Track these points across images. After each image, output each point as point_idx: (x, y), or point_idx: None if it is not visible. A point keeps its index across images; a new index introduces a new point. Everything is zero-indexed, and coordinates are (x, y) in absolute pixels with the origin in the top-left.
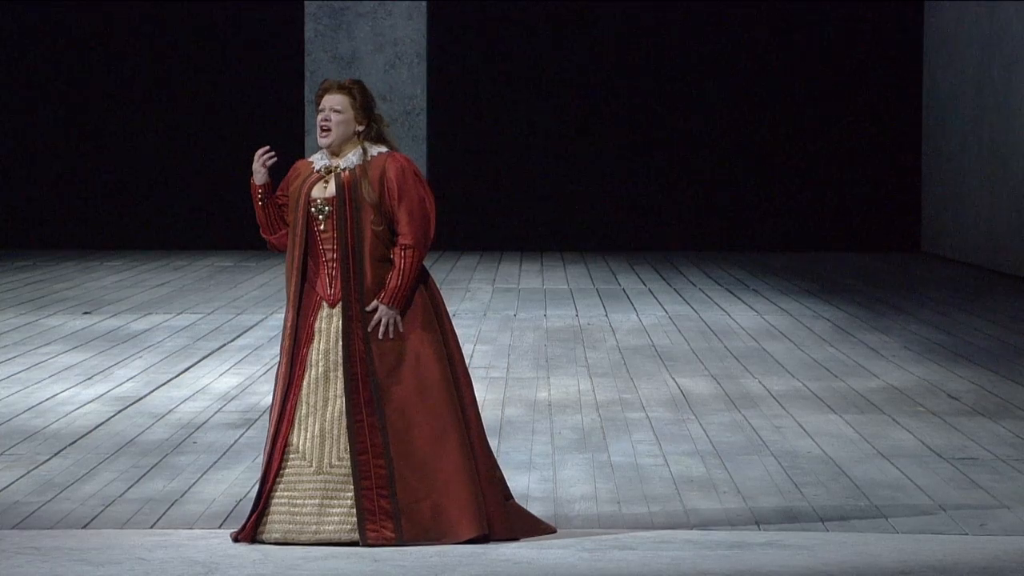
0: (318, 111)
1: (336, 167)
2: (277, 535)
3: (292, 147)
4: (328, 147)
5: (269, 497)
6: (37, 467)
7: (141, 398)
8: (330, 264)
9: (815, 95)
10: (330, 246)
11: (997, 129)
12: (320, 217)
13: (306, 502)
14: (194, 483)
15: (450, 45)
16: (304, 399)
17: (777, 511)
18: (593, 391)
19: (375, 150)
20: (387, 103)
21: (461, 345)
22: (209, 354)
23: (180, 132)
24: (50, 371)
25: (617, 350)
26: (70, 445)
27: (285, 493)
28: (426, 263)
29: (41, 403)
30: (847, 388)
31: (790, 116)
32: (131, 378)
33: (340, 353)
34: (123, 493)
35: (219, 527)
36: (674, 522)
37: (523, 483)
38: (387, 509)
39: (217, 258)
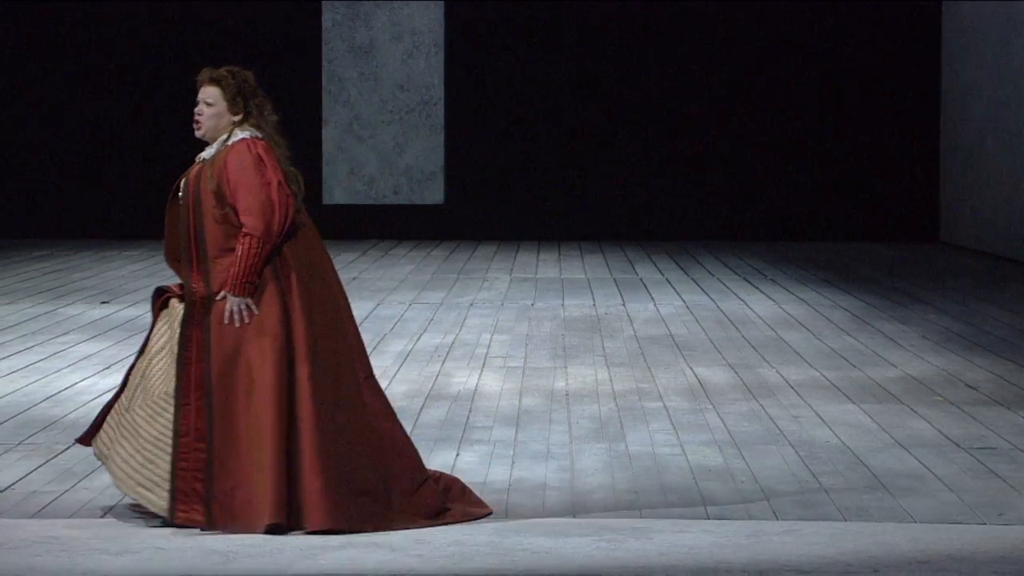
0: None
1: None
2: (96, 453)
3: (309, 136)
4: (203, 139)
5: (107, 415)
6: (55, 456)
7: None
8: (184, 253)
9: (834, 85)
10: (183, 235)
11: (1015, 119)
12: (181, 207)
13: (116, 432)
14: None
15: (468, 35)
16: (151, 341)
17: (795, 501)
18: (611, 380)
19: (237, 136)
20: (404, 93)
21: (364, 338)
22: None
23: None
24: (68, 360)
25: (635, 339)
26: None
27: (113, 416)
28: (446, 253)
29: (59, 392)
30: (865, 378)
31: (809, 106)
32: None
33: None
34: None
35: None
36: (691, 512)
37: (540, 473)
38: (200, 493)
39: None
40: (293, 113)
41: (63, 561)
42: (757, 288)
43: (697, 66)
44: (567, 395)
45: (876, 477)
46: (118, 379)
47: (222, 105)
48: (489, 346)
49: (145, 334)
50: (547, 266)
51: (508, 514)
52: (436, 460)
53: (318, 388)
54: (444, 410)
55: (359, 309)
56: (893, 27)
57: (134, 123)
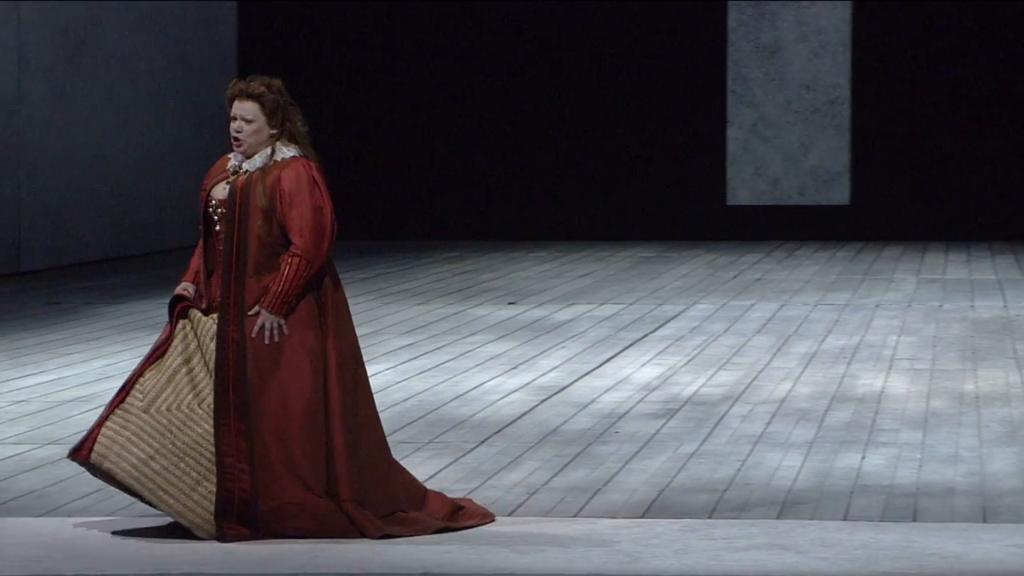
0: (231, 118)
1: (240, 168)
2: (95, 457)
3: (714, 136)
4: (244, 154)
5: (103, 423)
6: (464, 455)
7: (564, 387)
8: (221, 266)
9: None
10: (222, 248)
11: None
12: (215, 218)
13: (123, 431)
14: (616, 472)
15: (875, 34)
16: (173, 346)
17: None
18: (1023, 383)
19: (283, 153)
20: (810, 92)
21: (364, 357)
22: (631, 344)
23: (600, 122)
24: (476, 360)
25: None
26: (495, 434)
27: (116, 420)
28: (851, 254)
29: (468, 392)
30: None
31: None
32: (555, 368)
33: (213, 330)
34: (547, 482)
35: (641, 516)
36: None
37: (948, 476)
38: (245, 513)
39: (639, 248)
40: (698, 114)
41: (472, 558)
42: None
43: None
44: (977, 398)
45: None
46: (524, 379)
47: (261, 120)
48: (896, 348)
49: (159, 337)
50: (956, 267)
51: (916, 517)
52: (841, 462)
53: (346, 408)
54: (849, 412)
55: (763, 311)
56: None
57: (537, 125)
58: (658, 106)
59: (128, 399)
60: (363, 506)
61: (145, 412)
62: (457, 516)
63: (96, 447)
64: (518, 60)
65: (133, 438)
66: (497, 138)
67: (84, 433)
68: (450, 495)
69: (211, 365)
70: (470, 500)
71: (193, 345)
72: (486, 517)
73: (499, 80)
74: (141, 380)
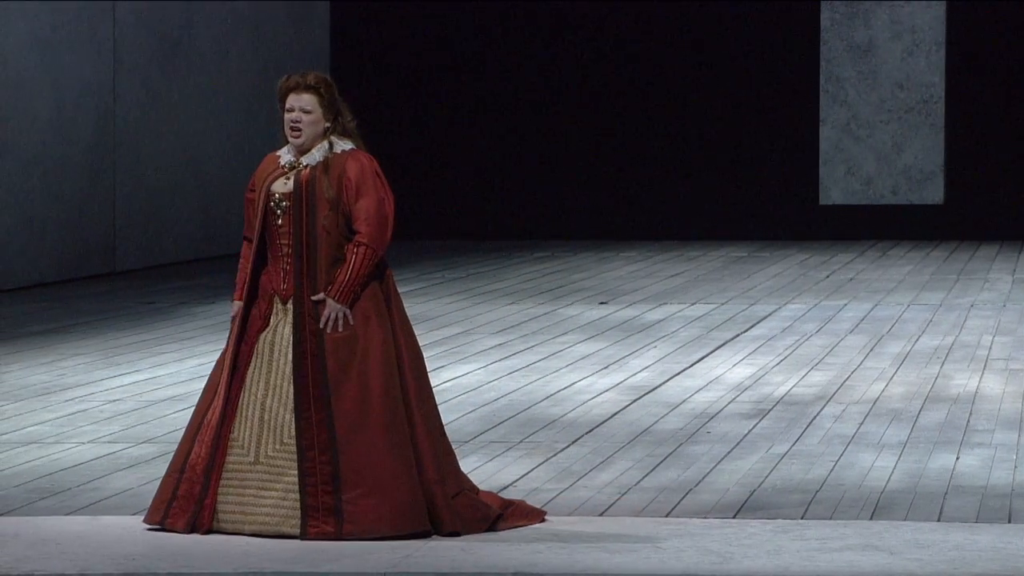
0: (285, 110)
1: (299, 163)
2: (227, 526)
3: (807, 135)
4: (299, 147)
5: (217, 490)
6: (555, 455)
7: (655, 387)
8: (285, 259)
9: None
10: (286, 241)
11: None
12: (278, 212)
13: (245, 492)
14: (708, 473)
15: (969, 32)
16: (247, 387)
17: None
18: None
19: (340, 147)
20: (904, 91)
21: (421, 343)
22: (722, 344)
23: (692, 121)
24: (567, 360)
25: None
26: (587, 433)
27: (231, 485)
28: (945, 254)
29: (559, 392)
30: None
31: None
32: (646, 367)
33: (289, 349)
34: (638, 481)
35: (733, 517)
36: None
37: None
38: (329, 505)
39: (731, 248)
40: (790, 113)
41: (563, 558)
42: None
43: None
44: None
45: None
46: (615, 379)
47: (319, 112)
48: (990, 348)
49: (224, 377)
50: None
51: (1011, 518)
52: (935, 463)
53: (419, 396)
54: (944, 412)
55: (856, 311)
56: None
57: (630, 125)
58: (751, 105)
59: (232, 459)
60: (446, 492)
61: (255, 464)
62: (508, 512)
63: (220, 516)
64: (610, 60)
65: (260, 492)
66: (588, 138)
67: (195, 506)
68: (541, 495)
69: (288, 369)
70: (521, 500)
71: (264, 370)
72: (534, 516)
73: (592, 80)
74: (233, 437)
